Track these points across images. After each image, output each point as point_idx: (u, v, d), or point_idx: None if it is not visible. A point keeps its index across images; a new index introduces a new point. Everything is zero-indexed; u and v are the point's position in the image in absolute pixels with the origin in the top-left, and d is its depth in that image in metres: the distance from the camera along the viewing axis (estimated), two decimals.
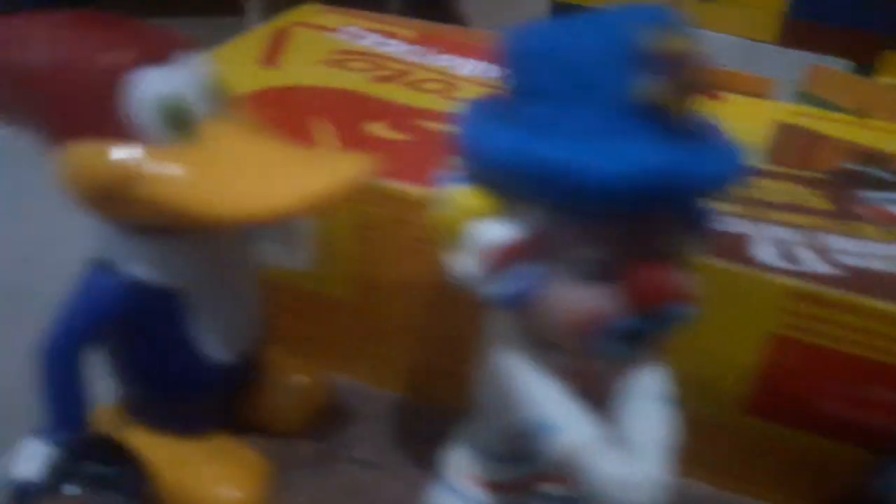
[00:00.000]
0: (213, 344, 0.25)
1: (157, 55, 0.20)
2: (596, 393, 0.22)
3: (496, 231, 0.19)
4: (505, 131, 0.19)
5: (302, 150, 0.21)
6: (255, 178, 0.20)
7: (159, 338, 0.24)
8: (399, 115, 0.34)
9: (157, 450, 0.25)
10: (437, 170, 0.21)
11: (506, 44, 0.20)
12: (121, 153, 0.20)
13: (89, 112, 0.19)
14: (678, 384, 0.28)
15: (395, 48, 0.43)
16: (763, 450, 0.29)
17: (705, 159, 0.18)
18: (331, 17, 0.46)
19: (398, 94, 0.36)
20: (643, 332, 0.20)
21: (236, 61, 0.38)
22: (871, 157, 0.37)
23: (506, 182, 0.19)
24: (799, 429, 0.28)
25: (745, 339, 0.27)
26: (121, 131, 0.20)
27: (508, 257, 0.19)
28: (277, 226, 0.29)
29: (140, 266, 0.22)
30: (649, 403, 0.21)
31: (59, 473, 0.20)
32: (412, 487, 0.30)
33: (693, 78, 0.18)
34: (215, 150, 0.20)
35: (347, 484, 0.30)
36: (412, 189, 0.28)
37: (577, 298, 0.19)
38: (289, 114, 0.33)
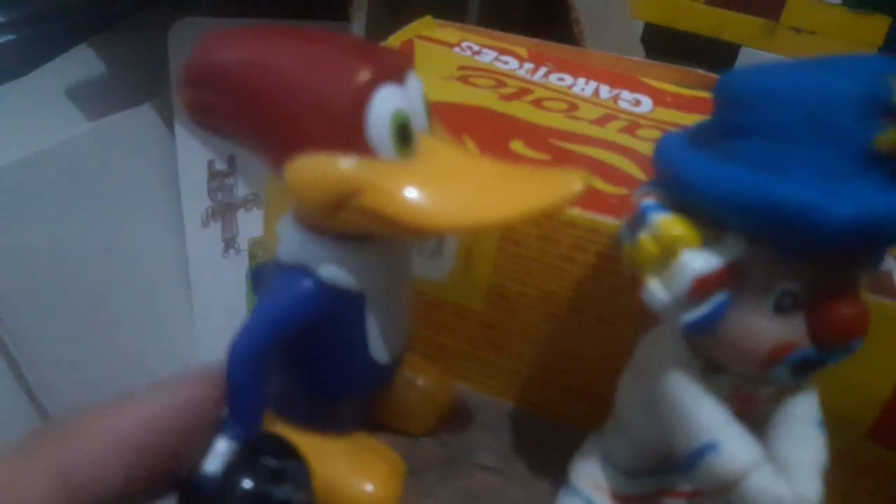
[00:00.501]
0: (381, 346, 0.26)
1: (395, 73, 0.21)
2: (753, 415, 0.23)
3: (699, 260, 0.20)
4: (721, 165, 0.20)
5: (513, 166, 0.22)
6: (476, 191, 0.21)
7: (341, 339, 0.25)
8: (532, 134, 0.35)
9: (306, 447, 0.27)
10: (638, 198, 0.22)
11: (728, 82, 0.21)
12: (355, 165, 0.21)
13: (330, 127, 0.21)
14: None
15: (513, 66, 0.44)
16: (882, 476, 0.29)
17: None
18: (448, 31, 0.47)
19: (526, 113, 0.37)
20: (821, 362, 0.21)
21: None
22: None
23: (719, 215, 0.20)
24: None
25: (881, 370, 0.27)
26: (355, 146, 0.21)
27: (708, 286, 0.20)
28: (429, 239, 0.31)
29: (335, 269, 0.23)
30: (806, 427, 0.22)
31: (238, 468, 0.21)
32: (536, 495, 0.31)
33: None
34: (436, 164, 0.22)
35: (473, 488, 0.31)
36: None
37: (767, 330, 0.20)
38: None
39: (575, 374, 0.32)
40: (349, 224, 0.22)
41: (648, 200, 0.22)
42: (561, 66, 0.45)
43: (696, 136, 0.22)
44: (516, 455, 0.32)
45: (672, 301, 0.21)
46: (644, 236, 0.21)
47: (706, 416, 0.22)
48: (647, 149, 0.35)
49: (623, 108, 0.40)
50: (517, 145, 0.33)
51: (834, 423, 0.28)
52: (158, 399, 0.19)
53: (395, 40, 0.44)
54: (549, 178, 0.21)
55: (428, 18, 0.49)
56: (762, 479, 0.21)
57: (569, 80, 0.44)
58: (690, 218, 0.21)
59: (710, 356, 0.22)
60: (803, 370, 0.21)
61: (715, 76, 0.44)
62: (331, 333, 0.25)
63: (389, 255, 0.25)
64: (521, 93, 0.40)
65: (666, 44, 0.60)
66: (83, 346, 0.51)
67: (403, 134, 0.21)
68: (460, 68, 0.42)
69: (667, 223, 0.21)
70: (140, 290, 0.55)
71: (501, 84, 0.41)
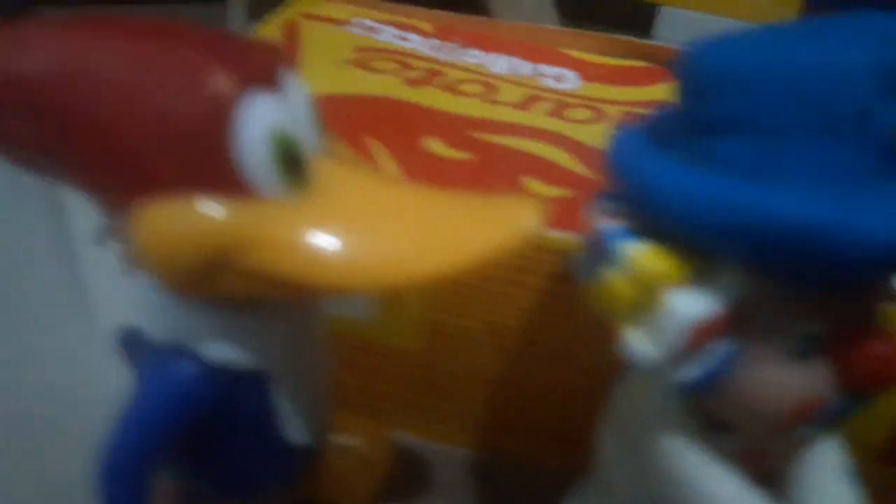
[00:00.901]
0: (296, 427, 0.20)
1: (265, 76, 0.15)
2: (766, 471, 0.18)
3: (691, 303, 0.15)
4: (696, 174, 0.15)
5: (442, 195, 0.17)
6: (399, 234, 0.15)
7: (243, 428, 0.19)
8: (449, 127, 0.30)
9: None
10: (595, 220, 0.17)
11: (695, 61, 0.15)
12: (228, 211, 0.15)
13: (184, 159, 0.14)
14: None
15: (416, 43, 0.38)
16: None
17: None
18: (337, 6, 0.41)
19: (438, 100, 0.32)
20: (851, 412, 0.16)
21: None
22: None
23: (705, 241, 0.15)
24: None
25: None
26: (221, 182, 0.15)
27: (707, 335, 0.15)
28: None
29: (223, 346, 0.18)
30: (835, 481, 0.18)
31: None
32: None
33: None
34: (340, 199, 0.16)
35: None
36: None
37: (788, 384, 0.16)
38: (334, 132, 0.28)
39: (537, 413, 0.27)
40: (230, 290, 0.16)
41: (611, 224, 0.17)
42: (470, 41, 0.40)
43: (660, 133, 0.17)
44: None
45: (662, 356, 0.16)
46: (612, 274, 0.16)
47: (720, 491, 0.17)
48: (581, 134, 0.30)
49: (547, 86, 0.35)
50: (433, 143, 0.28)
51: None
52: None
53: (275, 23, 0.37)
54: (491, 211, 0.16)
55: None
56: None
57: (481, 56, 0.38)
58: (670, 245, 0.16)
59: (712, 414, 0.18)
60: (833, 423, 0.17)
61: (644, 42, 0.39)
62: (229, 422, 0.19)
63: (293, 318, 0.19)
64: (429, 76, 0.35)
65: (579, 7, 0.55)
66: None
67: (289, 160, 0.15)
68: (357, 50, 0.36)
69: (641, 257, 0.16)
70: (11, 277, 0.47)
71: (406, 66, 0.35)
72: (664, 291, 0.16)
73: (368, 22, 0.40)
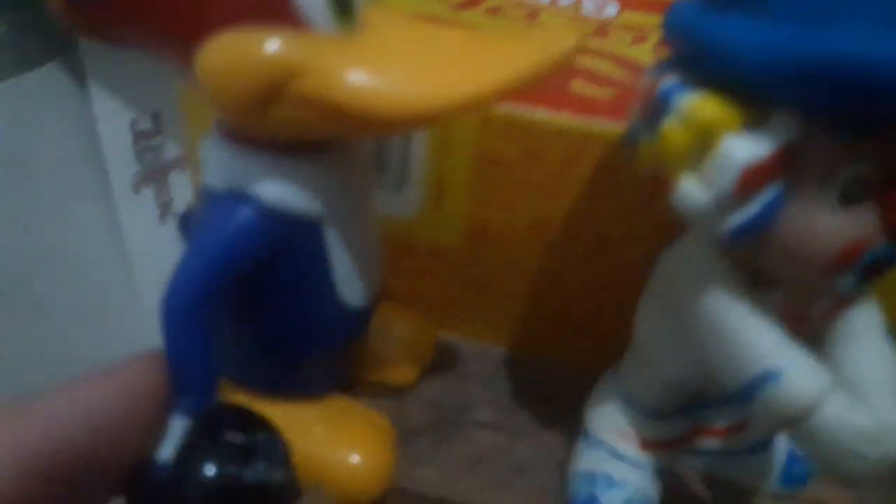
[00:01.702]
0: (351, 285, 0.21)
1: None
2: (805, 335, 0.19)
3: (744, 146, 0.16)
4: (756, 25, 0.16)
5: (485, 33, 0.18)
6: (442, 64, 0.17)
7: (300, 279, 0.21)
8: None
9: (275, 416, 0.22)
10: (652, 84, 0.18)
11: None
12: (283, 42, 0.16)
13: None
14: None
15: None
16: None
17: None
18: None
19: (484, 24, 0.33)
20: (893, 261, 0.17)
21: None
22: None
23: (761, 88, 0.16)
24: None
25: None
26: (282, 17, 0.16)
27: (758, 178, 0.16)
28: (390, 165, 0.26)
29: (279, 189, 0.19)
30: (872, 342, 0.19)
31: (195, 450, 0.17)
32: (547, 450, 0.27)
33: None
34: (388, 37, 0.17)
35: (474, 450, 0.27)
36: (547, 117, 0.25)
37: (834, 227, 0.16)
38: None
39: (576, 309, 0.28)
40: (285, 123, 0.17)
41: (668, 80, 0.18)
42: None
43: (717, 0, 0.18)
44: (518, 407, 0.29)
45: (714, 201, 0.17)
46: (670, 124, 0.17)
47: (762, 340, 0.18)
48: (624, 49, 0.31)
49: (587, 16, 0.36)
50: None
51: None
52: (96, 387, 0.15)
53: None
54: (530, 38, 0.17)
55: None
56: (836, 409, 0.17)
57: None
58: (724, 94, 0.17)
59: (757, 267, 0.18)
60: (874, 274, 0.17)
61: None
62: (286, 273, 0.20)
63: (344, 167, 0.20)
64: (475, 0, 0.36)
65: None
66: (6, 335, 0.45)
67: (343, 3, 0.17)
68: None
69: (698, 104, 0.17)
70: (70, 270, 0.49)
71: None
72: (719, 137, 0.16)
73: None
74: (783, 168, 0.16)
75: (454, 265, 0.28)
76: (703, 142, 0.17)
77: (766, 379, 0.17)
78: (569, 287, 0.28)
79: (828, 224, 0.17)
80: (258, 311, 0.21)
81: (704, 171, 0.17)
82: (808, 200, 0.17)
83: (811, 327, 0.19)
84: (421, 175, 0.26)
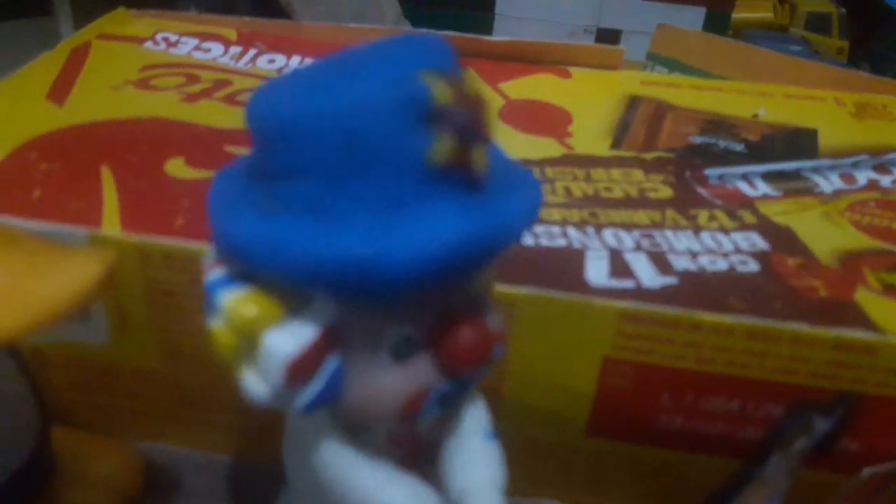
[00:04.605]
0: None
1: None
2: (422, 450, 0.20)
3: (286, 339, 0.16)
4: (266, 221, 0.16)
5: (13, 254, 0.18)
6: None
7: None
8: (204, 144, 0.30)
9: None
10: (204, 269, 0.18)
11: (254, 110, 0.16)
12: None
13: None
14: (520, 413, 0.26)
15: (216, 53, 0.39)
16: (611, 467, 0.28)
17: (512, 212, 0.16)
18: (143, 23, 0.42)
19: (210, 115, 0.33)
20: (462, 391, 0.18)
21: (19, 97, 0.33)
22: (719, 125, 0.35)
23: (283, 280, 0.16)
24: (642, 445, 0.26)
25: (579, 366, 0.25)
26: None
27: (308, 364, 0.16)
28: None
29: None
30: (475, 442, 0.20)
31: None
32: None
33: (485, 123, 0.16)
34: None
35: None
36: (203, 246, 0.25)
37: (393, 384, 0.17)
38: (70, 165, 0.29)
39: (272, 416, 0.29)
40: None
41: (215, 273, 0.17)
42: (273, 46, 0.40)
43: (250, 174, 0.18)
44: None
45: (272, 393, 0.17)
46: (216, 324, 0.17)
47: (365, 481, 0.19)
48: None
49: None
50: (175, 165, 0.29)
51: (554, 423, 0.27)
52: None
53: (66, 46, 0.38)
54: (52, 267, 0.17)
55: (121, 10, 0.43)
56: None
57: (281, 60, 0.39)
58: (267, 286, 0.17)
59: (351, 417, 0.19)
60: (449, 403, 0.18)
61: (469, 37, 0.40)
62: None
63: None
64: (214, 88, 0.36)
65: None
66: None
67: None
68: (144, 69, 0.37)
69: (237, 304, 0.17)
70: None
71: (193, 80, 0.36)
72: (261, 333, 0.16)
73: (172, 36, 0.40)
74: (333, 345, 0.17)
75: (160, 384, 0.28)
76: (248, 339, 0.17)
77: None
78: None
79: (386, 382, 0.17)
80: None
81: (257, 367, 0.17)
82: (365, 365, 0.17)
83: (424, 441, 0.20)
84: (99, 306, 0.26)
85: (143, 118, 0.32)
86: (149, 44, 0.39)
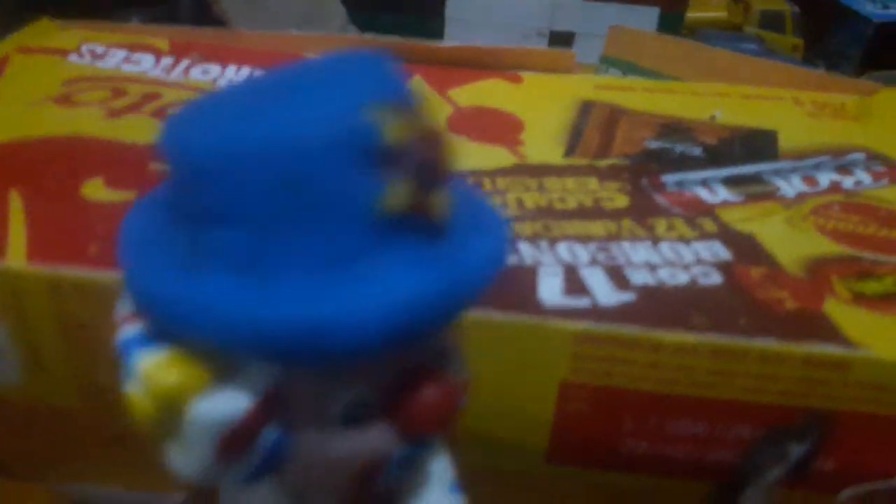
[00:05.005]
0: None
1: None
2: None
3: (214, 410, 0.14)
4: (190, 276, 0.13)
5: None
6: None
7: None
8: (126, 163, 0.28)
9: None
10: (119, 327, 0.15)
11: (173, 141, 0.14)
12: None
13: None
14: (477, 441, 0.25)
15: (146, 65, 0.37)
16: (575, 495, 0.26)
17: (479, 261, 0.14)
18: (69, 34, 0.39)
19: (134, 131, 0.30)
20: (422, 452, 0.16)
21: None
22: (675, 129, 0.34)
23: (206, 343, 0.14)
24: (606, 471, 0.25)
25: (535, 391, 0.23)
26: None
27: (242, 436, 0.14)
28: None
29: None
30: (438, 496, 0.18)
31: None
32: None
33: (444, 163, 0.14)
34: None
35: None
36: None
37: (349, 450, 0.15)
38: None
39: None
40: None
41: (129, 330, 0.15)
42: (208, 55, 0.38)
43: (171, 213, 0.15)
44: None
45: (203, 469, 0.15)
46: (132, 388, 0.14)
47: None
48: None
49: None
50: (93, 187, 0.27)
51: (512, 451, 0.25)
52: None
53: None
54: None
55: (45, 21, 0.40)
56: None
57: (215, 71, 0.37)
58: (189, 346, 0.14)
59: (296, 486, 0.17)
60: (410, 468, 0.16)
61: (412, 43, 0.38)
62: None
63: None
64: (141, 102, 0.33)
65: None
66: None
67: None
68: (66, 83, 0.34)
69: (155, 369, 0.14)
70: None
71: (119, 94, 0.34)
72: (185, 402, 0.14)
73: (99, 48, 0.38)
74: (272, 413, 0.14)
75: (81, 423, 0.26)
76: (169, 409, 0.14)
77: None
78: None
79: (340, 451, 0.15)
80: None
81: (182, 440, 0.15)
82: (313, 433, 0.15)
83: (383, 499, 0.18)
84: (8, 345, 0.24)
85: (60, 136, 0.30)
86: (73, 56, 0.37)
